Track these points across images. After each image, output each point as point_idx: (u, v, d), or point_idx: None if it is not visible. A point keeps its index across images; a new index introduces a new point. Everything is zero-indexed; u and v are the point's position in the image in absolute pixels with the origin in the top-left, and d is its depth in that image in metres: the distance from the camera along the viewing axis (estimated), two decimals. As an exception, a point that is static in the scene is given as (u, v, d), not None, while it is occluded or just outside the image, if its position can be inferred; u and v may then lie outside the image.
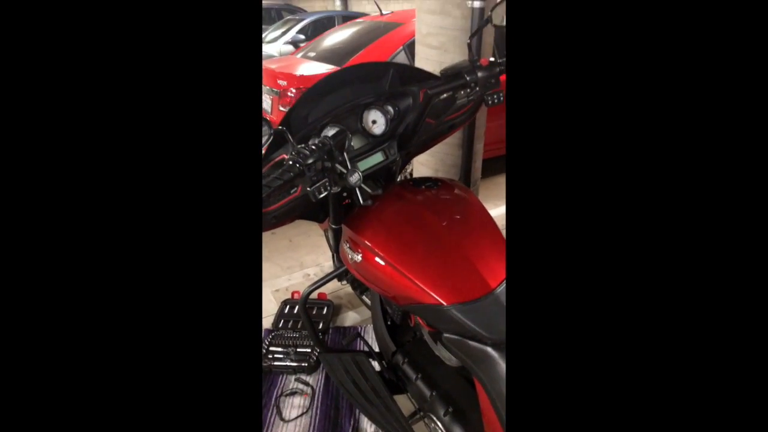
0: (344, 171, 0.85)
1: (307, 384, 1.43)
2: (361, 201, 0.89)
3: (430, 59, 1.72)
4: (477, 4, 1.51)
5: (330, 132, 1.00)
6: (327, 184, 0.81)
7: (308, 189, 0.80)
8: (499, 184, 3.09)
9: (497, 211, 2.31)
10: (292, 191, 0.98)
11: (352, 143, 1.02)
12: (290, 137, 0.85)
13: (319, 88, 1.04)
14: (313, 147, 0.79)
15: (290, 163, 0.75)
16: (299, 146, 0.79)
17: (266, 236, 2.32)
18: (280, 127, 0.87)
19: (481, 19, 1.52)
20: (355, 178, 0.85)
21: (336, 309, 1.77)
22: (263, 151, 0.93)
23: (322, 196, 0.81)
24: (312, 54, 3.11)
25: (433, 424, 1.01)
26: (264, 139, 0.86)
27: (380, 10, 3.42)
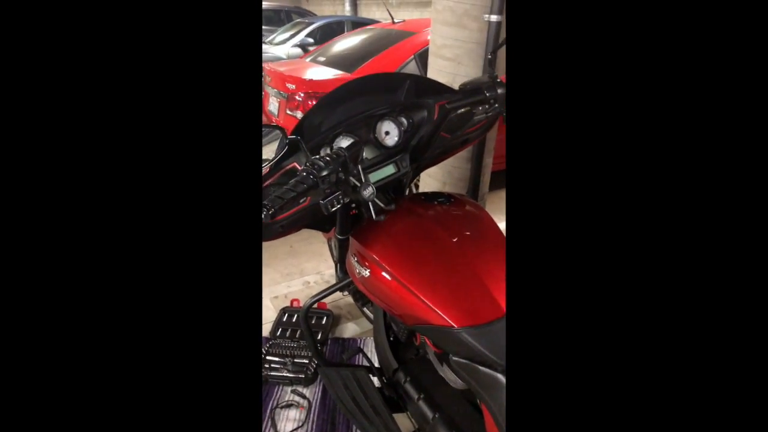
0: (358, 184, 0.82)
1: (303, 396, 1.39)
2: (374, 216, 0.86)
3: (443, 71, 1.70)
4: (494, 18, 1.49)
5: (343, 142, 0.97)
6: (341, 197, 0.79)
7: (321, 201, 0.77)
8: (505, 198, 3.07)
9: (503, 225, 2.29)
10: (301, 201, 0.95)
11: (364, 154, 0.99)
12: (305, 147, 0.82)
13: (334, 96, 1.02)
14: (328, 158, 0.76)
15: (304, 174, 0.72)
16: (314, 157, 0.76)
17: (267, 242, 2.30)
18: (294, 137, 0.85)
19: (498, 34, 1.50)
20: (368, 192, 0.82)
21: (335, 319, 1.74)
22: (275, 159, 0.90)
23: (334, 209, 0.78)
24: (322, 58, 3.10)
25: (434, 448, 0.97)
26: (277, 147, 0.84)
27: (392, 18, 3.41)
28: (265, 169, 0.89)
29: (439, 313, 0.79)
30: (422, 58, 2.62)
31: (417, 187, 2.21)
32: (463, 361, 0.82)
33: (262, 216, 0.66)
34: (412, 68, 2.64)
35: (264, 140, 0.95)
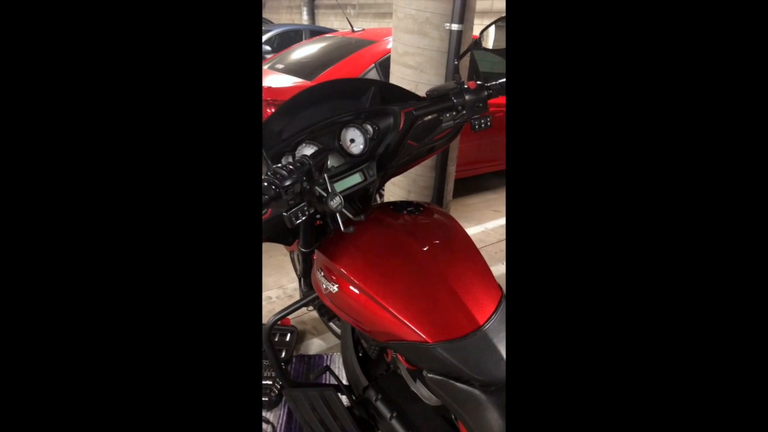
0: (324, 194, 0.77)
1: (267, 421, 1.30)
2: (342, 228, 0.82)
3: (405, 78, 1.69)
4: (455, 27, 1.50)
5: (306, 150, 0.92)
6: (305, 208, 0.73)
7: (285, 214, 0.71)
8: (468, 205, 3.10)
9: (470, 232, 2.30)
10: (261, 213, 0.89)
11: (329, 162, 0.95)
12: (266, 156, 0.76)
13: (296, 102, 0.97)
14: (291, 167, 0.71)
15: (265, 184, 0.67)
16: (275, 166, 0.71)
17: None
18: None
19: (459, 42, 1.51)
20: (335, 203, 0.78)
21: (300, 336, 1.66)
22: None
23: (299, 221, 0.73)
24: (280, 66, 3.03)
25: (409, 470, 0.93)
26: None
27: (352, 27, 3.40)
28: None
29: (413, 328, 0.76)
30: (383, 66, 2.61)
31: (381, 196, 2.18)
32: (439, 377, 0.78)
33: None
34: (372, 76, 2.63)
35: None
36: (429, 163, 1.78)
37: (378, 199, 2.25)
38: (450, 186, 1.92)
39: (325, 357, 1.58)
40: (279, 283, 2.01)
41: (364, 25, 9.05)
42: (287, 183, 0.68)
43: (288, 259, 2.14)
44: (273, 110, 2.41)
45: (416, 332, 0.75)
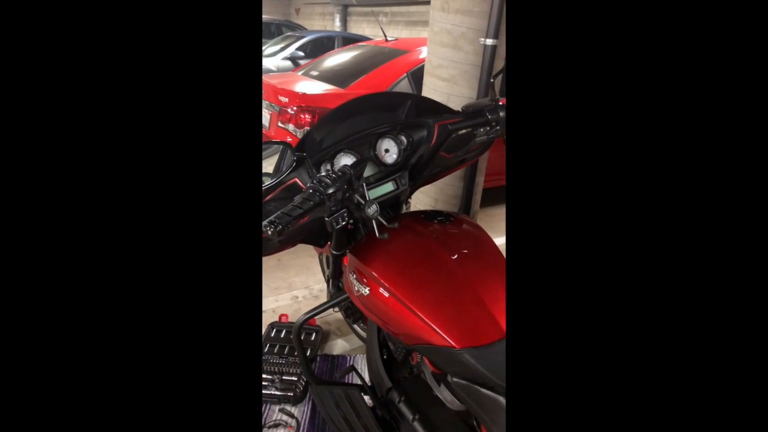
0: (362, 202, 0.82)
1: (291, 416, 1.36)
2: (377, 234, 0.86)
3: (438, 90, 1.73)
4: (490, 42, 1.53)
5: (344, 159, 0.97)
6: (345, 214, 0.78)
7: (327, 219, 0.76)
8: (493, 215, 3.11)
9: (498, 242, 2.31)
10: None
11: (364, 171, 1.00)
12: (310, 164, 0.82)
13: (336, 113, 1.02)
14: (334, 176, 0.76)
15: (311, 191, 0.72)
16: (320, 175, 0.76)
17: (254, 253, 2.26)
18: (301, 154, 0.85)
19: (493, 57, 1.54)
20: (372, 210, 0.82)
21: (324, 336, 1.72)
22: (284, 174, 0.90)
23: (340, 225, 0.78)
24: (314, 73, 3.11)
25: (429, 471, 0.96)
26: (283, 162, 0.83)
27: (385, 36, 3.46)
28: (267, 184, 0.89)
29: (441, 333, 0.79)
30: (415, 76, 2.66)
31: (408, 204, 2.22)
32: (463, 382, 0.81)
33: (270, 232, 0.65)
34: (404, 86, 2.68)
35: (264, 153, 0.95)
36: (458, 173, 1.81)
37: (405, 207, 2.28)
38: (478, 196, 1.94)
39: (349, 358, 1.62)
40: (306, 284, 2.07)
41: (395, 32, 9.14)
42: (330, 191, 0.73)
43: (314, 260, 2.21)
44: (307, 116, 2.49)
45: (444, 337, 0.79)
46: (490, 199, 3.29)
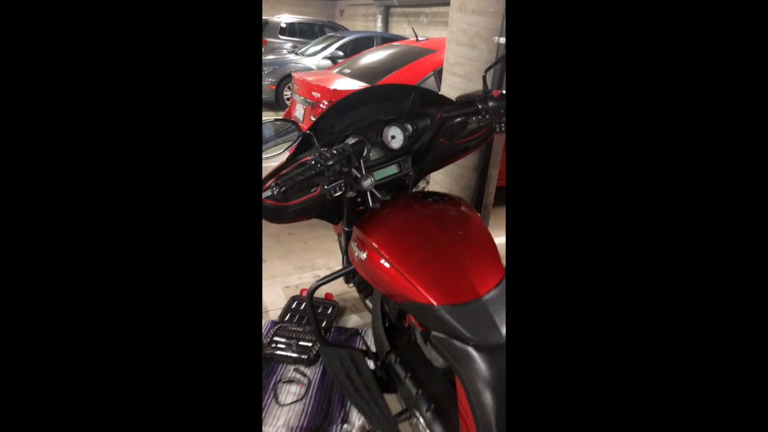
0: (359, 176, 0.95)
1: (304, 375, 1.51)
2: (371, 203, 0.99)
3: (454, 86, 1.83)
4: (503, 41, 1.62)
5: (352, 142, 1.11)
6: (342, 184, 0.92)
7: (325, 187, 0.90)
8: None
9: (502, 240, 2.38)
10: (312, 190, 1.09)
11: (370, 154, 1.13)
12: (316, 141, 0.96)
13: (348, 101, 1.16)
14: (334, 152, 0.90)
15: (312, 162, 0.86)
16: (322, 149, 0.90)
17: (283, 237, 2.45)
18: (308, 132, 0.99)
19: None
20: (367, 183, 0.96)
21: (340, 311, 1.87)
22: (290, 148, 1.05)
23: (336, 195, 0.92)
24: (347, 71, 3.28)
25: (415, 420, 1.08)
26: (293, 141, 0.98)
27: (416, 36, 3.58)
28: (282, 160, 1.04)
29: (422, 292, 0.91)
30: (440, 74, 2.76)
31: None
32: (441, 335, 0.93)
33: (273, 192, 0.80)
34: (431, 83, 2.79)
35: (280, 131, 1.09)
36: (472, 165, 1.91)
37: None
38: (491, 189, 2.03)
39: (360, 331, 1.77)
40: (328, 265, 2.23)
41: (434, 33, 9.21)
42: (329, 163, 0.87)
43: (338, 246, 2.37)
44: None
45: (424, 295, 0.91)
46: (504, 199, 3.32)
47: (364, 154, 1.05)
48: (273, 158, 0.99)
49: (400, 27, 11.03)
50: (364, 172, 0.96)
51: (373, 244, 1.02)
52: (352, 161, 0.93)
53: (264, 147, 0.99)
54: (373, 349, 1.34)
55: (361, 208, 1.25)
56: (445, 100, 1.23)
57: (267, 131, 1.00)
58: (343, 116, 1.15)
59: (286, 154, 1.04)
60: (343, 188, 0.93)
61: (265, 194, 0.86)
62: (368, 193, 0.98)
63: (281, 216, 1.11)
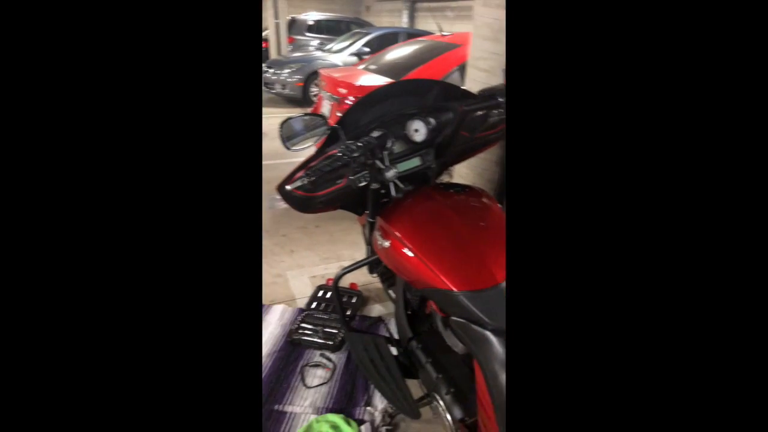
0: (383, 167, 1.00)
1: (329, 360, 1.58)
2: (393, 193, 1.04)
3: (478, 80, 1.85)
4: (526, 34, 1.63)
5: (375, 134, 1.16)
6: (366, 175, 0.97)
7: (351, 177, 0.96)
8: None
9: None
10: (338, 182, 1.14)
11: (394, 147, 1.17)
12: (342, 134, 1.02)
13: (373, 96, 1.21)
14: (360, 144, 0.95)
15: (339, 154, 0.92)
16: (348, 142, 0.95)
17: (310, 229, 2.54)
18: (336, 126, 1.05)
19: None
20: (391, 174, 1.00)
21: (364, 300, 1.93)
22: (320, 141, 1.11)
23: (361, 185, 0.97)
24: (373, 67, 3.33)
25: (435, 403, 1.13)
26: (320, 134, 1.04)
27: (440, 30, 3.59)
28: (311, 152, 1.10)
29: (443, 278, 0.95)
30: (465, 69, 2.77)
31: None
32: (461, 320, 0.97)
33: (303, 182, 0.86)
34: (455, 78, 2.80)
35: (309, 125, 1.15)
36: (494, 158, 1.93)
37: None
38: (515, 182, 2.04)
39: (384, 319, 1.82)
40: (352, 257, 2.30)
41: (461, 27, 9.11)
42: (355, 155, 0.92)
43: (361, 237, 2.43)
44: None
45: (445, 282, 0.95)
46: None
47: (388, 146, 1.09)
48: (302, 151, 1.05)
49: (425, 22, 10.98)
50: (387, 163, 1.01)
51: (396, 232, 1.07)
52: (376, 153, 0.98)
53: (294, 140, 1.05)
54: (396, 336, 1.40)
55: (384, 199, 1.30)
56: (467, 94, 1.26)
57: (297, 125, 1.06)
58: (369, 111, 1.20)
59: (314, 148, 1.10)
60: (368, 178, 0.98)
61: (295, 185, 0.92)
62: (391, 184, 1.03)
63: (309, 206, 1.17)
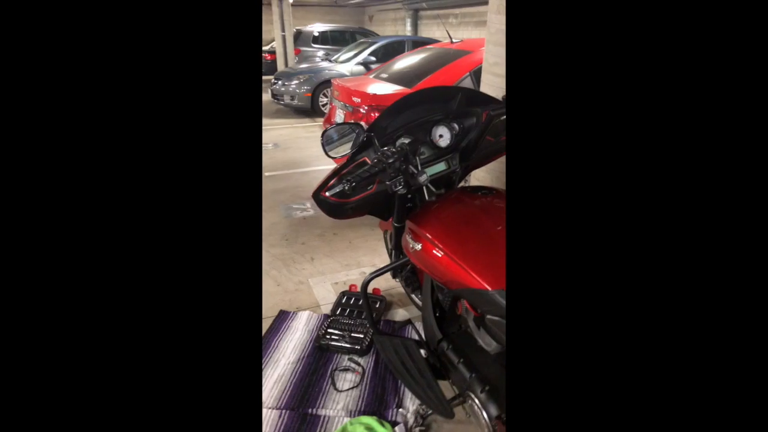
0: (415, 172, 1.04)
1: (358, 364, 1.61)
2: (427, 197, 1.07)
3: (493, 86, 1.89)
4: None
5: (405, 141, 1.20)
6: (401, 179, 1.01)
7: (387, 183, 0.99)
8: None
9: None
10: (368, 188, 1.18)
11: (424, 152, 1.21)
12: (376, 142, 1.06)
13: (398, 104, 1.25)
14: (394, 150, 0.99)
15: (376, 161, 0.95)
16: (383, 149, 0.99)
17: (329, 236, 2.57)
18: (370, 133, 1.09)
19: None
20: (423, 178, 1.04)
21: (388, 305, 1.95)
22: (356, 148, 1.15)
23: (397, 189, 1.00)
24: (384, 75, 3.38)
25: (470, 402, 1.14)
26: (355, 138, 1.08)
27: (451, 39, 3.64)
28: (345, 157, 1.14)
29: (477, 278, 0.98)
30: (476, 75, 2.81)
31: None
32: (496, 318, 0.99)
33: (344, 188, 0.89)
34: (467, 84, 2.84)
35: (343, 133, 1.19)
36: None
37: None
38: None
39: (412, 323, 1.84)
40: (372, 262, 2.33)
41: (464, 34, 9.21)
42: (391, 161, 0.96)
43: (380, 243, 2.46)
44: (377, 114, 2.75)
45: (479, 281, 0.98)
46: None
47: (420, 151, 1.13)
48: (341, 158, 1.09)
49: (429, 29, 11.09)
50: (420, 169, 1.04)
51: (428, 235, 1.10)
52: (409, 159, 1.01)
53: (330, 147, 1.09)
54: (424, 338, 1.42)
55: (408, 204, 1.33)
56: (490, 99, 1.29)
57: (334, 134, 1.10)
58: (396, 118, 1.24)
59: (348, 154, 1.14)
60: (402, 183, 1.01)
61: (334, 191, 0.96)
62: (424, 188, 1.06)
63: (340, 212, 1.21)
